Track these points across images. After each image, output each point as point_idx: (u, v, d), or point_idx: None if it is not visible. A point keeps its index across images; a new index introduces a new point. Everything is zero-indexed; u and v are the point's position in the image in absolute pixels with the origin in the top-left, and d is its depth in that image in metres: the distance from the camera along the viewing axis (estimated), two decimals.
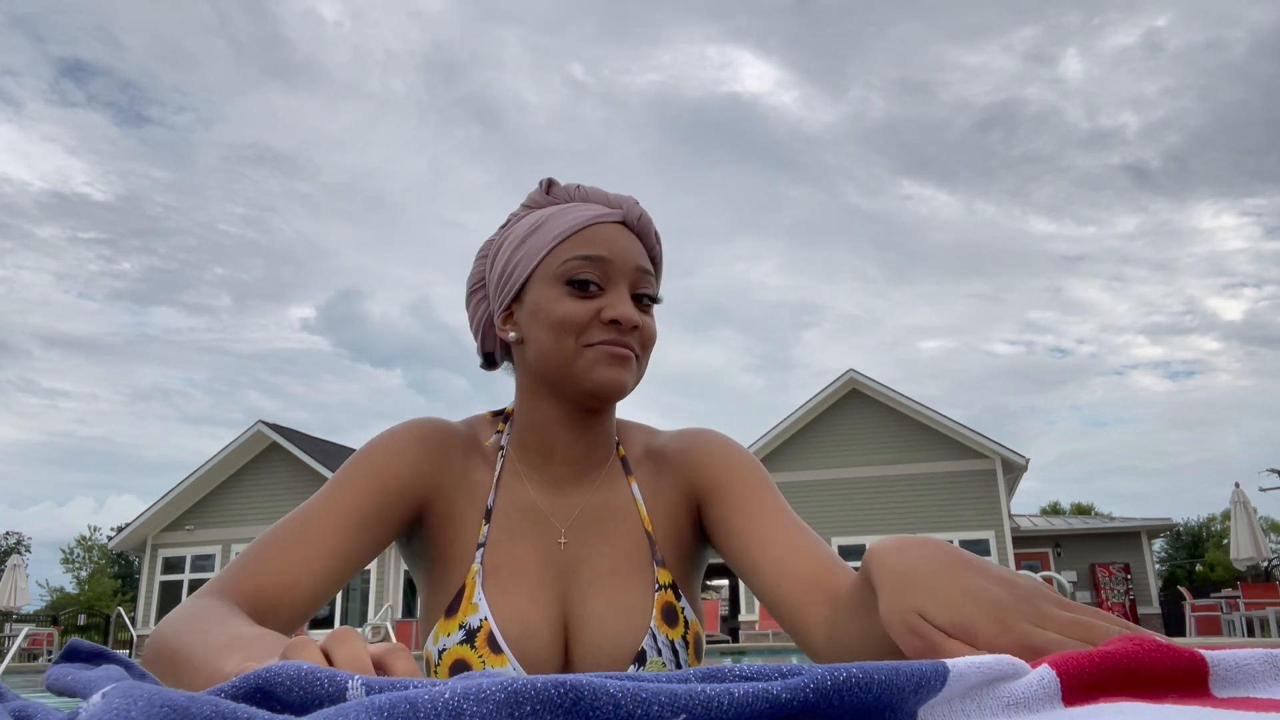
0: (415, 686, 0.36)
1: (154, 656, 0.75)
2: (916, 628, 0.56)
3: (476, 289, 1.06)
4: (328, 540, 0.90)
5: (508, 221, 1.05)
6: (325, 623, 18.82)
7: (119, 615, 19.73)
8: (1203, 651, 0.42)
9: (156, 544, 20.40)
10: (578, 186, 1.02)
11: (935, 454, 19.17)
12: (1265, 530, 20.47)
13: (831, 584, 0.85)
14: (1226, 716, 0.36)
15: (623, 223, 1.00)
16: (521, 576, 0.97)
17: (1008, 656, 0.41)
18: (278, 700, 0.39)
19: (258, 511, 19.57)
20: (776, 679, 0.37)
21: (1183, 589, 18.89)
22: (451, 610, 0.96)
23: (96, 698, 0.32)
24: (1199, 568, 43.10)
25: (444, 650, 0.94)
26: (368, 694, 0.39)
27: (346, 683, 0.39)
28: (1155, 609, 19.71)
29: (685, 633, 0.99)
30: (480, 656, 0.92)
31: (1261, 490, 19.52)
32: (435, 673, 0.94)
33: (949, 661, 0.39)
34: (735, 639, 17.75)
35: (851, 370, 19.70)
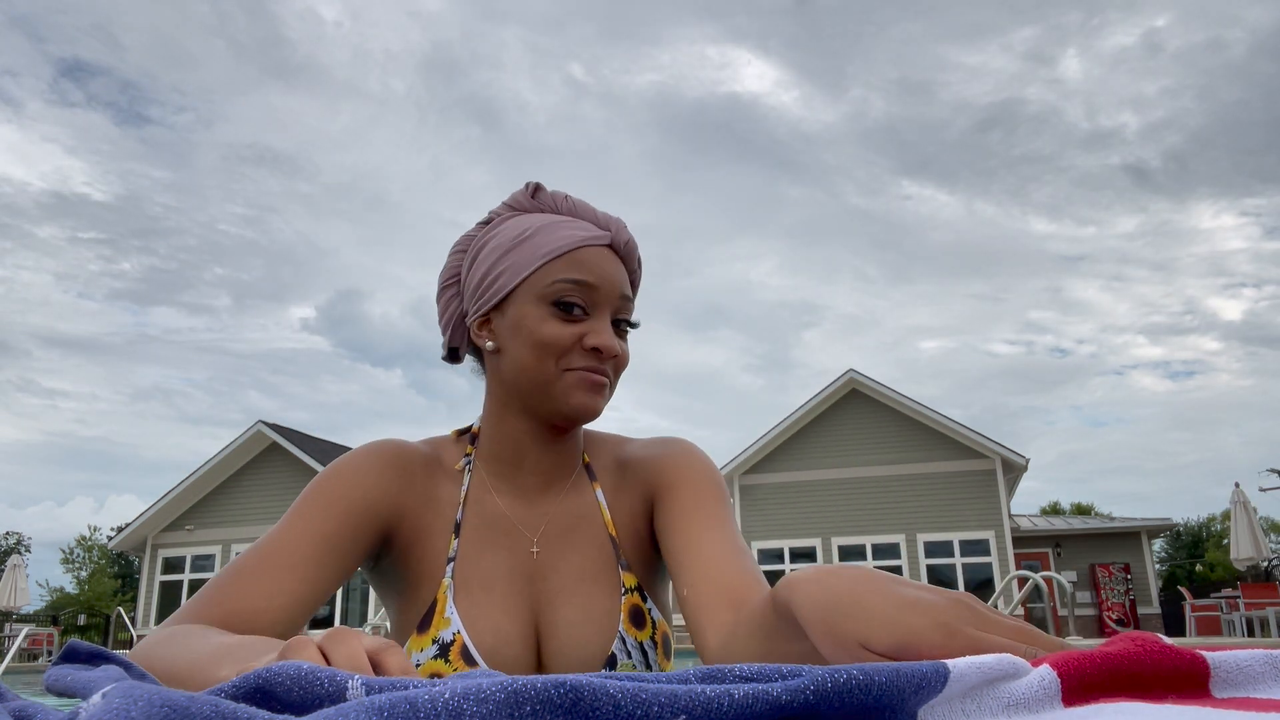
0: (415, 686, 0.35)
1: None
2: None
3: (450, 284, 1.06)
4: (295, 567, 0.90)
5: (489, 220, 1.05)
6: (325, 623, 18.82)
7: (119, 615, 19.77)
8: (1204, 653, 0.42)
9: (156, 544, 20.41)
10: (565, 197, 1.02)
11: (935, 454, 19.18)
12: (1265, 530, 20.48)
13: (741, 595, 0.86)
14: (1226, 716, 0.36)
15: (610, 245, 1.00)
16: (493, 588, 0.98)
17: (1008, 656, 0.41)
18: (277, 700, 0.39)
19: (258, 511, 19.58)
20: (777, 680, 0.37)
21: (1183, 589, 18.91)
22: (424, 625, 0.96)
23: (96, 698, 0.32)
24: (1199, 568, 43.13)
25: (419, 665, 0.95)
26: (367, 694, 0.39)
27: (346, 682, 0.39)
28: (1155, 609, 19.71)
29: (653, 633, 1.01)
30: (455, 669, 0.93)
31: (1261, 490, 19.55)
32: None
33: (949, 662, 0.39)
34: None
35: (851, 370, 19.71)
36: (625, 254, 1.02)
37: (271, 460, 20.15)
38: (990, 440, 18.73)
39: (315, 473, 20.33)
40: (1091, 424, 79.03)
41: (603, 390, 0.98)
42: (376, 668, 0.54)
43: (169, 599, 19.93)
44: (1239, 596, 14.21)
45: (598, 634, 0.98)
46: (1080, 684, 0.40)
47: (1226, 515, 23.23)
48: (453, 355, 1.09)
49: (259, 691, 0.39)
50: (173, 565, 20.35)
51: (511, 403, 1.01)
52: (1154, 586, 20.31)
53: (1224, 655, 0.42)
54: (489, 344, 1.01)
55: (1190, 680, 0.42)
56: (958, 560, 18.68)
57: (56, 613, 31.72)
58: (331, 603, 19.26)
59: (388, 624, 1.10)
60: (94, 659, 0.52)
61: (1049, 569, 19.75)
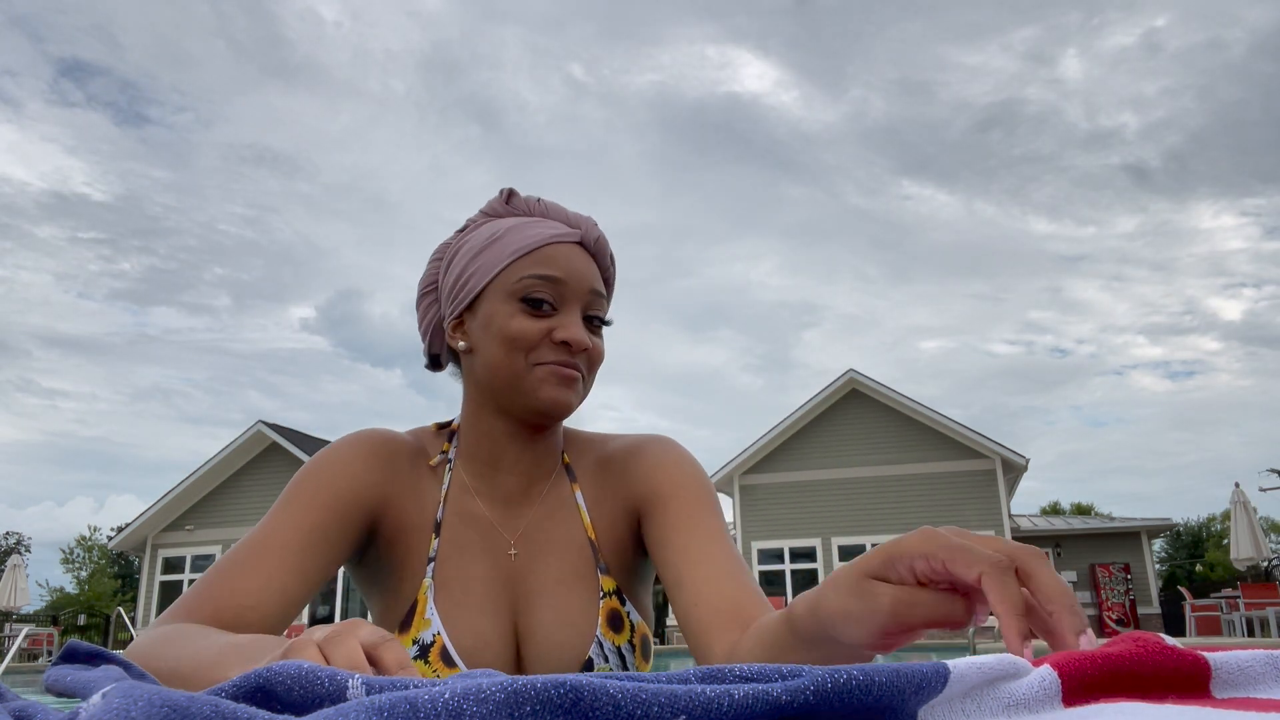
0: (415, 686, 0.35)
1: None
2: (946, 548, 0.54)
3: (428, 291, 1.07)
4: (285, 560, 0.90)
5: (465, 227, 1.06)
6: (326, 621, 18.79)
7: (119, 615, 19.75)
8: (1205, 653, 0.42)
9: (156, 544, 20.40)
10: (538, 200, 1.03)
11: (935, 454, 19.18)
12: (1265, 530, 20.48)
13: (746, 614, 0.87)
14: (1226, 716, 0.36)
15: (580, 243, 1.01)
16: (472, 590, 0.98)
17: (1009, 656, 0.41)
18: (278, 700, 0.39)
19: (258, 511, 19.56)
20: (777, 680, 0.37)
21: (1183, 589, 18.91)
22: (405, 626, 0.97)
23: (96, 698, 0.32)
24: (1199, 568, 43.11)
25: None
26: (368, 693, 0.39)
27: (347, 682, 0.39)
28: (1155, 609, 19.72)
29: (631, 636, 1.01)
30: (435, 671, 0.93)
31: (1261, 490, 19.51)
32: None
33: (949, 662, 0.39)
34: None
35: (851, 370, 19.71)
36: (596, 250, 1.02)
37: (271, 460, 20.15)
38: (990, 440, 18.74)
39: None
40: (1091, 424, 79.09)
41: (574, 384, 0.98)
42: (374, 663, 0.54)
43: (169, 599, 19.92)
44: (1239, 596, 14.20)
45: (575, 638, 0.98)
46: (1081, 684, 0.40)
47: (1226, 515, 23.24)
48: (434, 363, 1.09)
49: (259, 691, 0.39)
50: (173, 565, 20.35)
51: (487, 402, 1.01)
52: (1154, 586, 20.31)
53: (1225, 655, 0.42)
54: (462, 344, 1.01)
55: (1191, 680, 0.41)
56: None
57: (56, 613, 31.72)
58: (331, 603, 19.25)
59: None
60: (94, 659, 0.52)
61: None
